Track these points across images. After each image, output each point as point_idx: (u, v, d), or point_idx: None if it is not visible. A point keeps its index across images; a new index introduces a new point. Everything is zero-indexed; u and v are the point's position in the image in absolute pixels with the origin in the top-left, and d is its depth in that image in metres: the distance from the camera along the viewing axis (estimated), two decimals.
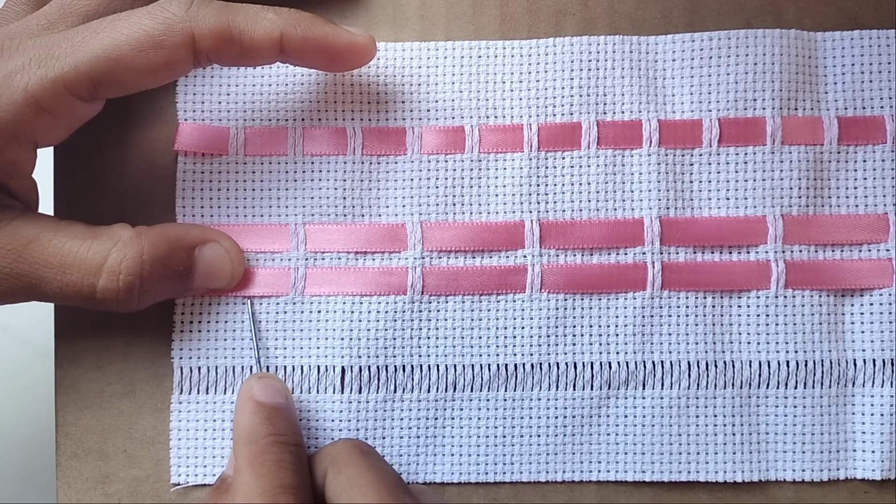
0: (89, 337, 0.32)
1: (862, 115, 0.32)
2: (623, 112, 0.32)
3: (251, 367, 0.32)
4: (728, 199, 0.32)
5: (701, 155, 0.32)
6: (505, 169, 0.32)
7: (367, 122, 0.32)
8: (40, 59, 0.27)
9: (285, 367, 0.32)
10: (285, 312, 0.32)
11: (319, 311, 0.32)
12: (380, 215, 0.32)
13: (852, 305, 0.32)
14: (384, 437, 0.31)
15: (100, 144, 0.33)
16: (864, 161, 0.32)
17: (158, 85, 0.29)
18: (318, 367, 0.31)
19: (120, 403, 0.32)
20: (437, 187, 0.32)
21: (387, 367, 0.31)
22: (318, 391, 0.31)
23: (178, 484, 0.31)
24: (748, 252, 0.32)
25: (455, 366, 0.32)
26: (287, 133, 0.32)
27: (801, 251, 0.32)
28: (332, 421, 0.31)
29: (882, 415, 0.31)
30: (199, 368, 0.32)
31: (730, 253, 0.32)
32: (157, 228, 0.30)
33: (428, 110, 0.32)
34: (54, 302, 0.29)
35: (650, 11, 0.33)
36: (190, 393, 0.32)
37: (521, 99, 0.32)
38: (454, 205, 0.32)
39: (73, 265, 0.28)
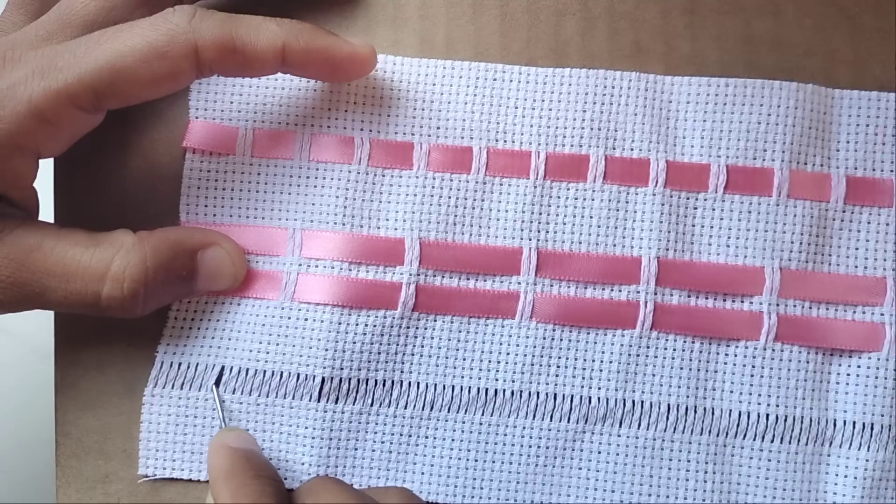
0: (89, 337, 0.32)
1: (871, 176, 0.32)
2: (632, 149, 0.32)
3: (231, 368, 0.32)
4: (728, 246, 0.32)
5: (706, 200, 0.32)
6: (509, 194, 0.32)
7: (375, 133, 0.32)
8: (43, 70, 0.27)
9: (265, 372, 0.31)
10: (273, 317, 0.32)
11: (307, 320, 0.31)
12: (378, 228, 0.32)
13: (839, 366, 0.32)
14: (356, 449, 0.31)
15: (100, 145, 0.32)
16: (869, 223, 0.32)
17: (161, 96, 0.28)
18: (298, 375, 0.31)
19: (120, 403, 0.32)
20: (439, 205, 0.32)
21: (367, 380, 0.31)
22: (293, 397, 0.31)
23: (146, 476, 0.32)
24: (742, 301, 0.32)
25: (435, 385, 0.31)
26: (295, 137, 0.32)
27: (795, 306, 0.32)
28: (306, 428, 0.31)
29: (855, 478, 0.31)
30: (180, 364, 0.32)
31: (724, 300, 0.32)
32: (158, 233, 0.30)
33: (438, 127, 0.32)
34: (58, 310, 0.29)
35: (650, 11, 0.33)
36: (164, 387, 0.32)
37: (531, 126, 0.32)
38: (455, 224, 0.32)
39: (77, 273, 0.28)
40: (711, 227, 0.32)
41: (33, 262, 0.28)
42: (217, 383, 0.32)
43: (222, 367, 0.32)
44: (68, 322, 0.32)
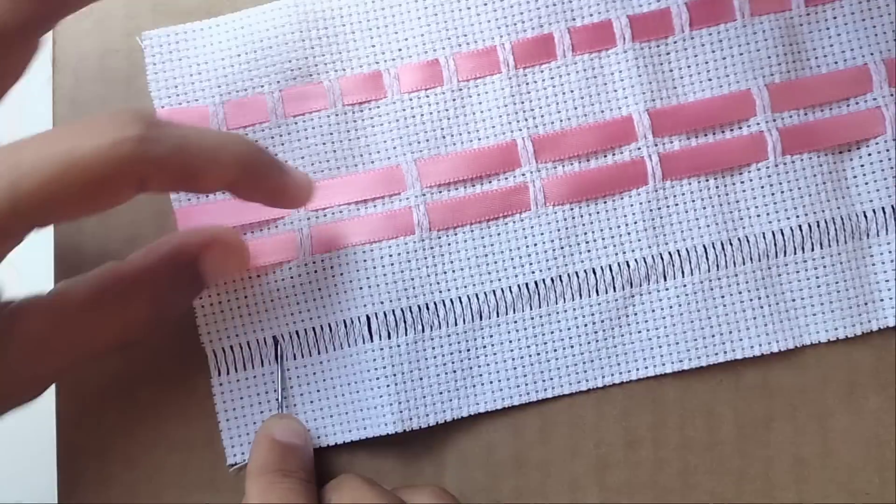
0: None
1: None
2: (591, 15, 0.32)
3: (282, 336, 0.31)
4: (710, 79, 0.32)
5: (675, 42, 0.32)
6: (486, 93, 0.32)
7: (342, 72, 0.32)
8: None
9: (314, 329, 0.31)
10: (299, 276, 0.31)
11: (332, 268, 0.31)
12: (373, 162, 0.32)
13: (851, 160, 0.32)
14: (421, 378, 0.31)
15: None
16: (835, 18, 0.32)
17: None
18: (344, 322, 0.31)
19: (121, 406, 0.32)
20: (423, 123, 0.32)
21: (410, 308, 0.31)
22: (348, 345, 0.31)
23: (235, 464, 0.31)
24: (740, 127, 0.32)
25: (477, 294, 0.31)
26: (265, 99, 0.32)
27: (791, 117, 0.32)
28: (369, 371, 0.31)
29: None
30: (232, 347, 0.31)
31: (723, 132, 0.32)
32: (152, 256, 0.28)
33: (400, 49, 0.32)
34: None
35: None
36: (228, 374, 0.31)
37: (489, 21, 0.32)
38: (444, 137, 0.32)
39: (97, 339, 0.27)
40: (689, 66, 0.32)
41: (50, 347, 0.26)
42: (277, 356, 0.31)
43: (274, 337, 0.31)
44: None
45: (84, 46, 0.34)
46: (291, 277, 0.31)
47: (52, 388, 0.32)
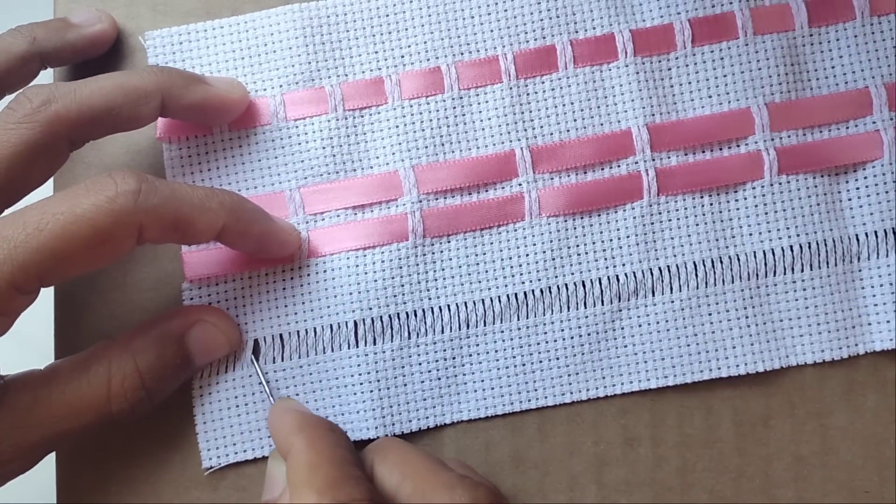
0: (89, 337, 0.32)
1: None
2: (595, 28, 0.32)
3: (263, 339, 0.32)
4: (710, 96, 0.32)
5: (677, 58, 0.32)
6: (487, 102, 0.32)
7: (343, 77, 0.32)
8: (60, 115, 0.28)
9: (298, 332, 0.32)
10: (292, 279, 0.32)
11: (325, 272, 0.32)
12: (371, 167, 0.32)
13: (847, 182, 0.32)
14: (405, 385, 0.31)
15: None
16: (838, 40, 0.32)
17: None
18: (331, 326, 0.31)
19: None
20: (423, 130, 0.32)
21: (398, 314, 0.32)
22: (332, 349, 0.31)
23: (211, 468, 0.31)
24: (738, 145, 0.32)
25: (465, 303, 0.32)
26: (267, 102, 0.32)
27: (789, 136, 0.32)
28: (352, 376, 0.31)
29: (891, 284, 0.31)
30: None
31: (720, 149, 0.32)
32: (139, 334, 0.30)
33: (402, 56, 0.32)
34: (70, 445, 0.30)
35: None
36: (209, 376, 0.32)
37: (492, 30, 0.32)
38: (443, 145, 0.32)
39: (83, 408, 0.28)
40: (689, 82, 0.32)
41: (37, 417, 0.27)
42: (256, 357, 0.32)
43: (255, 341, 0.32)
44: (68, 322, 0.32)
45: None
46: (283, 280, 0.32)
47: None
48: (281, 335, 0.32)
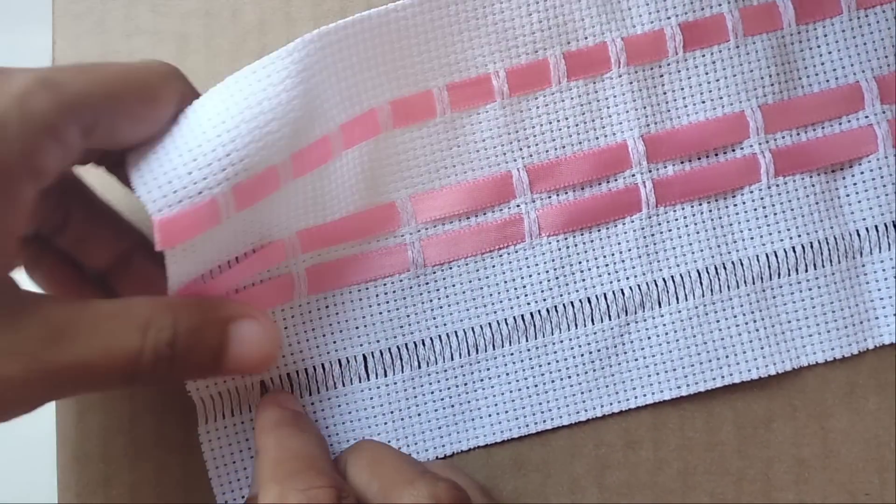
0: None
1: None
2: (587, 38, 0.32)
3: (270, 380, 0.31)
4: (704, 102, 0.32)
5: (669, 65, 0.32)
6: (480, 123, 0.31)
7: (340, 118, 0.30)
8: (48, 88, 0.25)
9: (306, 370, 0.31)
10: (293, 316, 0.31)
11: (328, 307, 0.31)
12: (365, 199, 0.31)
13: (844, 179, 0.32)
14: (419, 415, 0.31)
15: None
16: (826, 36, 0.32)
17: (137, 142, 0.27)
18: (339, 361, 0.31)
19: (121, 406, 0.32)
20: (416, 158, 0.31)
21: (406, 345, 0.31)
22: (342, 384, 0.31)
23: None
24: (734, 150, 0.32)
25: (473, 328, 0.31)
26: (277, 172, 0.28)
27: (784, 137, 0.32)
28: (364, 410, 0.31)
29: (895, 277, 0.31)
30: (220, 394, 0.31)
31: (716, 155, 0.32)
32: (189, 299, 0.28)
33: (391, 82, 0.31)
34: (87, 391, 0.28)
35: None
36: (215, 420, 0.31)
37: (482, 47, 0.31)
38: (437, 171, 0.31)
39: (117, 345, 0.26)
40: (682, 89, 0.32)
41: (70, 341, 0.25)
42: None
43: (262, 382, 0.31)
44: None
45: (84, 46, 0.33)
46: (284, 319, 0.31)
47: None
48: (289, 374, 0.31)
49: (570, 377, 0.31)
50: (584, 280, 0.32)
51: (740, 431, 0.32)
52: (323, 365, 0.31)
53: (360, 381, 0.31)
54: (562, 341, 0.31)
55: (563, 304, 0.31)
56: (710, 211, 0.32)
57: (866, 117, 0.32)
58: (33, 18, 0.32)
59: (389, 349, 0.31)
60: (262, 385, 0.31)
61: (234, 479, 0.31)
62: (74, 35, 0.33)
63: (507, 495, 0.31)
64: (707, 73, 0.32)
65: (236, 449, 0.31)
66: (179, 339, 0.27)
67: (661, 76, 0.32)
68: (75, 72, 0.26)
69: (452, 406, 0.31)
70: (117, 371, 0.26)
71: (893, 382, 0.32)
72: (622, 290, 0.32)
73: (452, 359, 0.31)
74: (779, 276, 0.32)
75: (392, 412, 0.31)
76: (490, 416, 0.31)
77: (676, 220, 0.32)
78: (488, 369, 0.31)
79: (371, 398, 0.31)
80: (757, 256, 0.32)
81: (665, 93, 0.32)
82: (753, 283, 0.32)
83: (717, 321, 0.32)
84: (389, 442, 0.31)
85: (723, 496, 0.31)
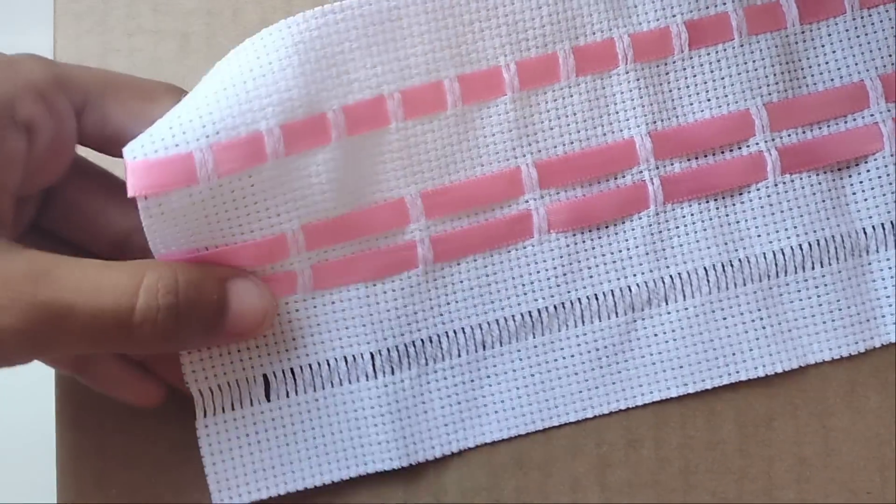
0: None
1: None
2: (595, 34, 0.32)
3: (273, 374, 0.31)
4: (709, 100, 0.32)
5: (675, 62, 0.32)
6: (491, 117, 0.31)
7: (343, 99, 0.30)
8: (44, 61, 0.27)
9: (310, 366, 0.31)
10: (298, 311, 0.30)
11: (334, 303, 0.31)
12: (374, 194, 0.31)
13: (850, 177, 0.32)
14: (426, 412, 0.31)
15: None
16: (830, 35, 0.32)
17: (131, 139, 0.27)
18: (346, 358, 0.31)
19: (120, 405, 0.31)
20: (427, 152, 0.31)
21: (413, 342, 0.31)
22: (349, 381, 0.31)
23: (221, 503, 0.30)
24: (740, 148, 0.32)
25: (480, 325, 0.31)
26: (263, 138, 0.28)
27: (789, 135, 0.32)
28: (372, 408, 0.31)
29: None
30: (219, 387, 0.30)
31: (723, 153, 0.32)
32: (184, 262, 0.28)
33: (401, 70, 0.30)
34: (81, 344, 0.26)
35: None
36: (214, 414, 0.30)
37: (493, 38, 0.31)
38: (447, 166, 0.31)
39: (108, 286, 0.25)
40: (688, 86, 0.32)
41: (56, 278, 0.24)
42: (267, 394, 0.30)
43: (264, 376, 0.30)
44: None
45: (85, 46, 0.33)
46: (288, 313, 0.30)
47: (52, 389, 0.32)
48: (292, 369, 0.31)
49: (576, 374, 0.31)
50: (591, 277, 0.31)
51: (742, 430, 0.32)
52: (328, 361, 0.31)
53: (366, 379, 0.31)
54: (568, 338, 0.31)
55: (571, 301, 0.31)
56: (718, 208, 0.32)
57: (871, 115, 0.32)
58: (34, 17, 0.32)
59: (397, 346, 0.31)
60: (265, 380, 0.31)
61: (233, 477, 0.30)
62: (75, 34, 0.33)
63: (509, 494, 0.31)
64: (712, 71, 0.32)
65: (235, 445, 0.30)
66: (183, 289, 0.26)
67: (668, 73, 0.32)
68: (78, 65, 0.28)
69: (459, 403, 0.31)
70: (108, 316, 0.25)
71: (894, 381, 0.32)
72: (629, 286, 0.31)
73: (460, 356, 0.31)
74: (785, 274, 0.32)
75: (399, 410, 0.31)
76: (496, 412, 0.31)
77: (684, 217, 0.32)
78: (495, 366, 0.31)
79: (378, 396, 0.31)
80: (764, 254, 0.32)
81: (671, 90, 0.32)
82: (760, 281, 0.32)
83: (724, 319, 0.31)
84: (396, 441, 0.30)
85: (724, 495, 0.31)
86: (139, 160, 0.26)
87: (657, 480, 0.31)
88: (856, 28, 0.32)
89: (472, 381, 0.31)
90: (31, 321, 0.24)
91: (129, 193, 0.27)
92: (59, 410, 0.32)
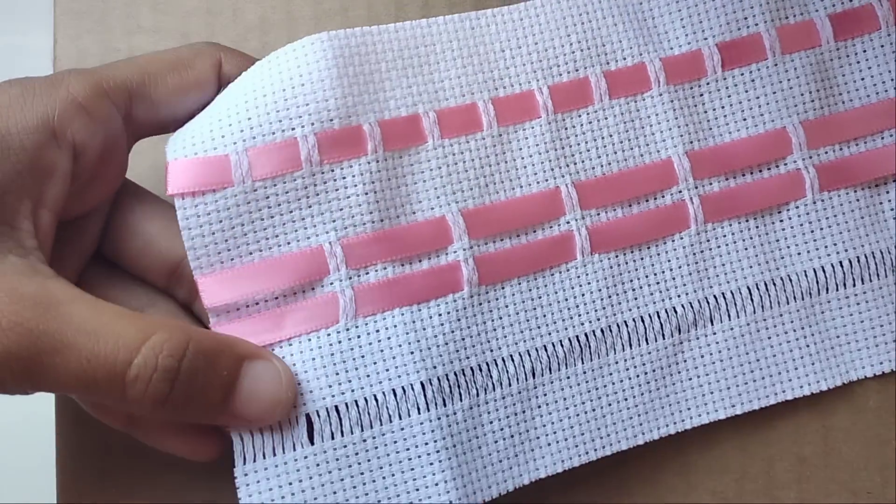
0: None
1: (850, 7, 0.33)
2: (625, 59, 0.32)
3: (317, 413, 0.29)
4: (745, 119, 0.32)
5: (709, 84, 0.32)
6: (527, 139, 0.31)
7: (379, 114, 0.30)
8: (80, 71, 0.27)
9: (356, 402, 0.29)
10: (339, 342, 0.29)
11: (378, 331, 0.29)
12: (414, 213, 0.30)
13: (888, 193, 0.32)
14: (480, 447, 0.29)
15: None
16: (865, 51, 0.32)
17: (187, 111, 0.29)
18: (394, 391, 0.29)
19: None
20: (466, 171, 0.30)
21: (463, 370, 0.30)
22: (399, 417, 0.29)
23: None
24: (777, 166, 0.32)
25: (528, 351, 0.30)
26: (298, 144, 0.29)
27: (827, 153, 0.32)
28: (426, 444, 0.29)
29: None
30: (261, 430, 0.28)
31: (760, 171, 0.32)
32: (205, 329, 0.27)
33: (436, 91, 0.30)
34: (68, 385, 0.25)
35: None
36: (255, 461, 0.28)
37: (524, 64, 0.31)
38: (486, 186, 0.31)
39: (111, 334, 0.24)
40: (723, 107, 0.32)
41: (64, 313, 0.24)
42: (310, 435, 0.28)
43: (307, 416, 0.29)
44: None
45: (85, 46, 0.33)
46: (330, 345, 0.29)
47: None
48: (337, 406, 0.29)
49: (626, 399, 0.31)
50: (636, 299, 0.31)
51: (741, 429, 0.31)
52: (376, 396, 0.29)
53: (418, 413, 0.29)
54: (616, 362, 0.31)
55: (617, 324, 0.31)
56: (758, 227, 0.32)
57: None
58: (34, 17, 0.32)
59: (447, 375, 0.29)
60: (308, 420, 0.28)
61: None
62: (76, 33, 0.33)
63: (507, 493, 0.30)
64: (747, 91, 0.32)
65: (278, 495, 0.28)
66: (189, 358, 0.25)
67: (702, 94, 0.32)
68: (110, 64, 0.28)
69: (512, 437, 0.30)
70: (100, 364, 0.24)
71: (894, 381, 0.32)
72: (674, 308, 0.31)
73: (510, 384, 0.30)
74: (827, 291, 0.32)
75: (454, 446, 0.29)
76: (549, 444, 0.30)
77: (724, 236, 0.31)
78: (545, 395, 0.30)
79: (432, 431, 0.29)
80: (805, 272, 0.32)
81: (706, 111, 0.32)
82: (803, 299, 0.31)
83: (769, 338, 0.31)
84: (454, 480, 0.28)
85: (724, 494, 0.31)
86: (178, 160, 0.28)
87: (657, 480, 0.31)
88: (891, 44, 0.32)
89: (524, 411, 0.30)
90: (26, 347, 0.24)
91: (168, 191, 0.28)
92: (59, 410, 0.31)
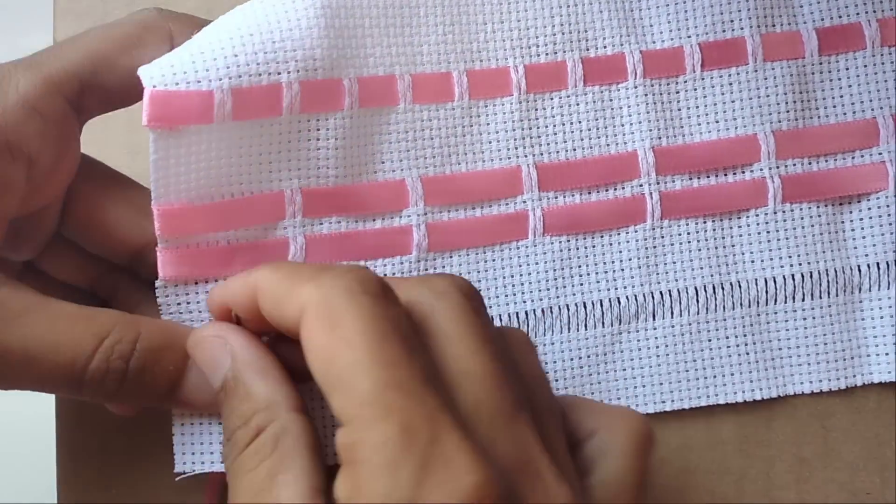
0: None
1: (839, 23, 0.32)
2: (605, 47, 0.32)
3: None
4: (717, 121, 0.32)
5: (686, 82, 0.32)
6: (496, 115, 0.32)
7: (359, 70, 0.30)
8: (27, 64, 0.26)
9: None
10: None
11: None
12: (375, 172, 0.31)
13: (851, 212, 0.32)
14: None
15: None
16: (847, 69, 0.32)
17: (140, 93, 0.27)
18: None
19: None
20: (431, 139, 0.31)
21: None
22: None
23: (184, 473, 0.29)
24: (743, 172, 0.32)
25: None
26: (282, 90, 0.29)
27: (794, 165, 0.32)
28: None
29: (891, 317, 0.31)
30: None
31: (725, 175, 0.32)
32: (155, 321, 0.28)
33: (414, 55, 0.31)
34: (35, 386, 0.26)
35: None
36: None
37: (504, 40, 0.32)
38: (450, 156, 0.31)
39: (68, 343, 0.26)
40: (697, 107, 0.32)
41: (23, 324, 0.25)
42: None
43: None
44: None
45: None
46: None
47: None
48: None
49: (556, 381, 0.31)
50: (581, 284, 0.32)
51: (741, 430, 0.32)
52: None
53: None
54: (552, 343, 0.31)
55: (559, 306, 0.31)
56: (714, 230, 0.32)
57: (879, 154, 0.32)
58: (34, 17, 0.32)
59: None
60: None
61: (198, 441, 0.28)
62: (75, 32, 0.32)
63: None
64: (723, 94, 0.32)
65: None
66: (137, 357, 0.26)
67: (678, 92, 0.32)
68: (55, 48, 0.27)
69: None
70: (61, 371, 0.26)
71: (894, 381, 0.32)
72: (619, 298, 0.32)
73: None
74: (775, 303, 0.32)
75: None
76: None
77: (679, 234, 0.32)
78: None
79: None
80: (755, 280, 0.32)
81: (679, 108, 0.32)
82: (749, 307, 0.32)
83: (710, 340, 0.32)
84: None
85: (724, 495, 0.31)
86: (159, 89, 0.27)
87: (657, 481, 0.31)
88: (874, 65, 0.32)
89: None
90: None
91: (144, 122, 0.27)
92: (59, 410, 0.32)
